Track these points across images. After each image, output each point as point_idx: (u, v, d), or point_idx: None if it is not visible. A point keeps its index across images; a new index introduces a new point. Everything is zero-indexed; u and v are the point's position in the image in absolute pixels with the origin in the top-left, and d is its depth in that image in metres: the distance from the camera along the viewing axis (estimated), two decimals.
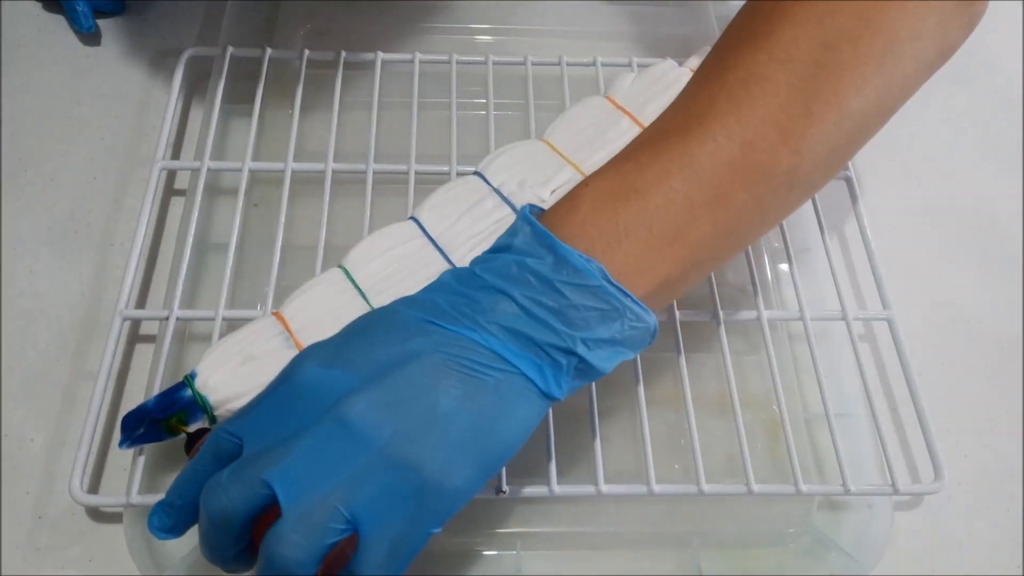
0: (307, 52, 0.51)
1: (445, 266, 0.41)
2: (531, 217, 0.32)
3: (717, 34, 0.47)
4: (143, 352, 0.44)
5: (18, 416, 0.42)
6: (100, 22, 0.55)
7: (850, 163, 0.49)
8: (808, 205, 0.47)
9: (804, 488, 0.38)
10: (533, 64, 0.52)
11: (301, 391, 0.29)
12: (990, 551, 0.42)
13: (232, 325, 0.41)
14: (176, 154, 0.51)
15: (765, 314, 0.43)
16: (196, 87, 0.53)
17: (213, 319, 0.41)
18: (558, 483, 0.37)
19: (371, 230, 0.44)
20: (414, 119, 0.48)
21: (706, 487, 0.38)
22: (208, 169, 0.46)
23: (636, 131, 0.46)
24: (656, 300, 0.32)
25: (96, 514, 0.40)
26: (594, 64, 0.52)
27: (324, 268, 0.42)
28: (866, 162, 0.54)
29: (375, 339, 0.30)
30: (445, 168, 0.47)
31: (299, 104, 0.49)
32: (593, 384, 0.40)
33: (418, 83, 0.50)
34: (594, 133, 0.47)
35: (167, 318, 0.41)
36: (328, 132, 0.47)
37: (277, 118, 0.51)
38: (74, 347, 0.44)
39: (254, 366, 0.37)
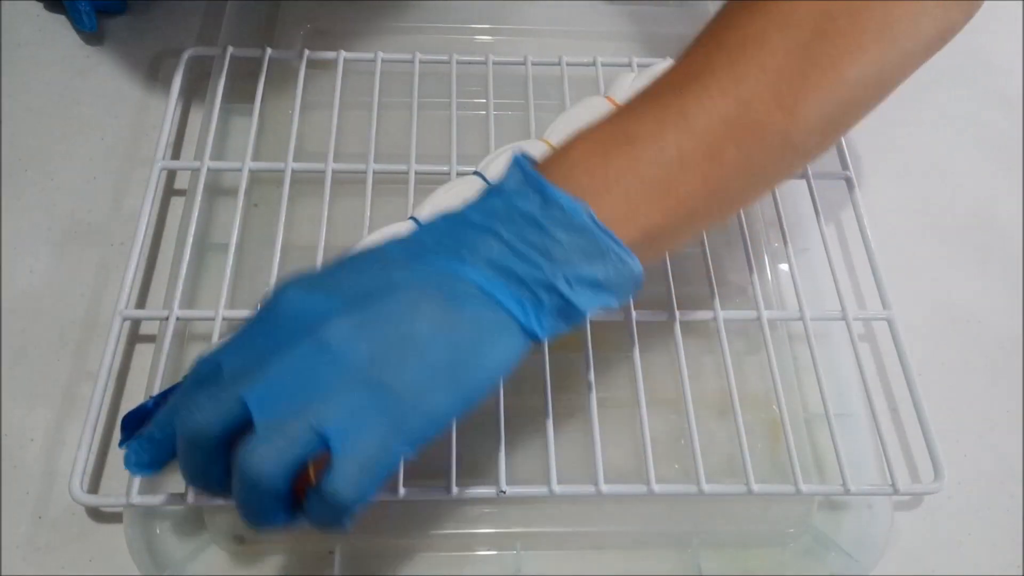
0: (307, 52, 0.51)
1: None
2: (523, 162, 0.32)
3: None
4: (143, 352, 0.44)
5: (18, 416, 0.42)
6: (101, 22, 0.55)
7: (850, 163, 0.49)
8: (808, 205, 0.47)
9: (804, 488, 0.38)
10: (533, 64, 0.52)
11: (282, 315, 0.29)
12: (990, 551, 0.42)
13: (232, 325, 0.41)
14: (176, 154, 0.51)
15: (765, 314, 0.43)
16: (196, 87, 0.53)
17: (213, 319, 0.41)
18: (558, 483, 0.37)
19: (371, 230, 0.44)
20: (414, 119, 0.48)
21: (706, 487, 0.38)
22: (208, 169, 0.46)
23: None
24: (643, 250, 0.32)
25: (96, 514, 0.40)
26: (594, 64, 0.52)
27: None
28: (866, 162, 0.54)
29: (359, 269, 0.30)
30: (445, 168, 0.47)
31: (299, 104, 0.49)
32: (593, 384, 0.40)
33: (418, 83, 0.50)
34: None
35: (167, 318, 0.41)
36: (328, 132, 0.47)
37: (277, 118, 0.51)
38: (74, 347, 0.44)
39: None
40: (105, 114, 0.52)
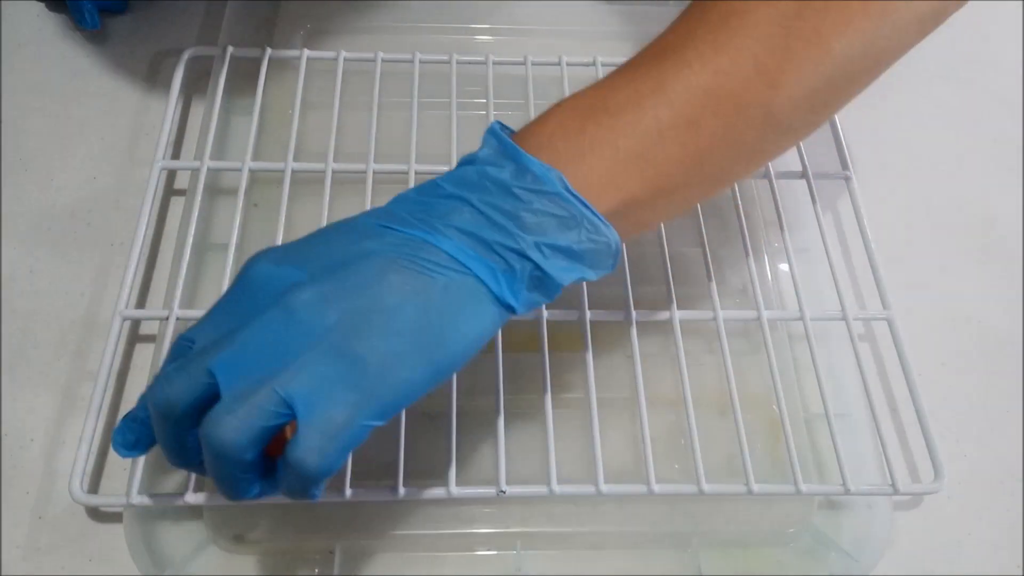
0: (307, 52, 0.51)
1: None
2: (498, 131, 0.31)
3: None
4: (143, 352, 0.44)
5: (18, 416, 0.42)
6: (101, 21, 0.55)
7: (850, 163, 0.49)
8: (808, 205, 0.47)
9: (804, 488, 0.38)
10: (533, 64, 0.52)
11: (252, 287, 0.29)
12: (990, 551, 0.42)
13: None
14: (176, 154, 0.51)
15: (765, 314, 0.43)
16: (196, 87, 0.53)
17: None
18: (558, 483, 0.37)
19: None
20: (414, 119, 0.48)
21: (706, 487, 0.38)
22: (208, 169, 0.46)
23: None
24: (622, 222, 0.31)
25: (96, 514, 0.40)
26: (594, 64, 0.52)
27: None
28: (866, 162, 0.54)
29: (328, 240, 0.30)
30: (445, 168, 0.46)
31: (299, 104, 0.49)
32: (592, 383, 0.40)
33: (418, 83, 0.50)
34: None
35: (167, 318, 0.41)
36: (328, 132, 0.47)
37: (277, 118, 0.51)
38: (74, 347, 0.44)
39: None
40: (105, 114, 0.52)
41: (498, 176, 0.30)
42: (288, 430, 0.28)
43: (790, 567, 0.40)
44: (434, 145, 0.49)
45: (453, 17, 0.57)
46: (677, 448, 0.43)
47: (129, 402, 0.42)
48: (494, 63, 0.51)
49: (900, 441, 0.45)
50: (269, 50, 0.51)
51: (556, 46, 0.54)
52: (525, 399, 0.42)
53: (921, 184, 0.54)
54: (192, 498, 0.36)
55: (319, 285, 0.28)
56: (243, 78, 0.52)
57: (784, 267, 0.48)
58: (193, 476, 0.37)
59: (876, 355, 0.47)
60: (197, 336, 0.29)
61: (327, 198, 0.45)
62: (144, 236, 0.44)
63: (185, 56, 0.50)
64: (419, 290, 0.28)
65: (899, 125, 0.57)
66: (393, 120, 0.49)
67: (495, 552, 0.40)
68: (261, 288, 0.29)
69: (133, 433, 0.30)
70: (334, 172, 0.46)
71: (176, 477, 0.38)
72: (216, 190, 0.48)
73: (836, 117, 0.50)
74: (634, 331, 0.42)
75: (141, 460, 0.37)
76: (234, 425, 0.26)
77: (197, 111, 0.53)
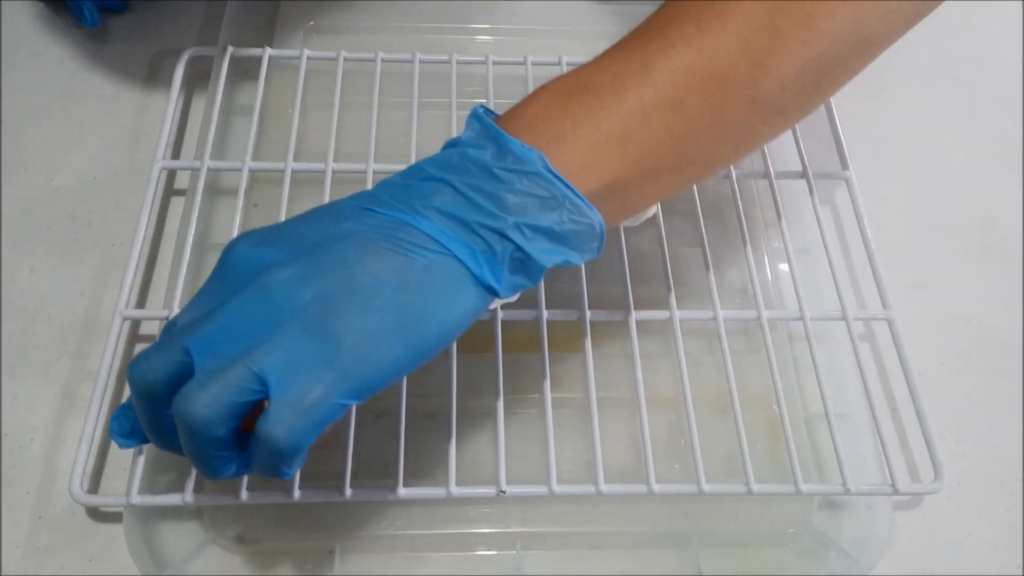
0: (307, 52, 0.51)
1: None
2: (481, 114, 0.31)
3: None
4: None
5: (18, 416, 0.42)
6: (101, 20, 0.55)
7: (850, 163, 0.49)
8: (808, 205, 0.47)
9: (804, 488, 0.38)
10: (533, 64, 0.52)
11: (232, 268, 0.29)
12: (990, 551, 0.42)
13: None
14: (176, 154, 0.51)
15: (765, 314, 0.43)
16: (196, 87, 0.53)
17: None
18: (558, 483, 0.37)
19: None
20: (414, 119, 0.48)
21: (706, 487, 0.38)
22: (208, 169, 0.46)
23: None
24: (607, 204, 0.31)
25: (96, 514, 0.40)
26: None
27: None
28: (866, 162, 0.53)
29: (308, 222, 0.30)
30: None
31: (299, 104, 0.49)
32: (592, 383, 0.40)
33: (418, 83, 0.50)
34: None
35: (167, 318, 0.41)
36: (328, 132, 0.47)
37: (277, 118, 0.51)
38: (74, 347, 0.44)
39: None
40: (105, 114, 0.52)
41: (479, 157, 0.30)
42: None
43: (790, 567, 0.40)
44: (434, 145, 0.48)
45: (453, 17, 0.57)
46: (677, 448, 0.43)
47: None
48: (494, 63, 0.51)
49: (900, 441, 0.45)
50: (269, 50, 0.51)
51: (556, 46, 0.54)
52: (525, 399, 0.42)
53: (921, 184, 0.54)
54: (192, 498, 0.36)
55: (296, 264, 0.28)
56: (243, 78, 0.52)
57: (784, 267, 0.48)
58: (193, 476, 0.37)
59: (876, 355, 0.47)
60: (179, 319, 0.29)
61: (327, 198, 0.45)
62: (144, 236, 0.44)
63: (185, 56, 0.50)
64: (398, 270, 0.28)
65: (899, 125, 0.57)
66: (393, 120, 0.49)
67: (495, 552, 0.40)
68: (240, 269, 0.29)
69: (129, 421, 0.30)
70: (334, 172, 0.46)
71: (177, 477, 0.38)
72: (216, 190, 0.48)
73: (836, 117, 0.50)
74: (634, 331, 0.42)
75: (141, 460, 0.37)
76: (205, 400, 0.26)
77: (197, 111, 0.53)
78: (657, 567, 0.40)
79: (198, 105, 0.53)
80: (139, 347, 0.44)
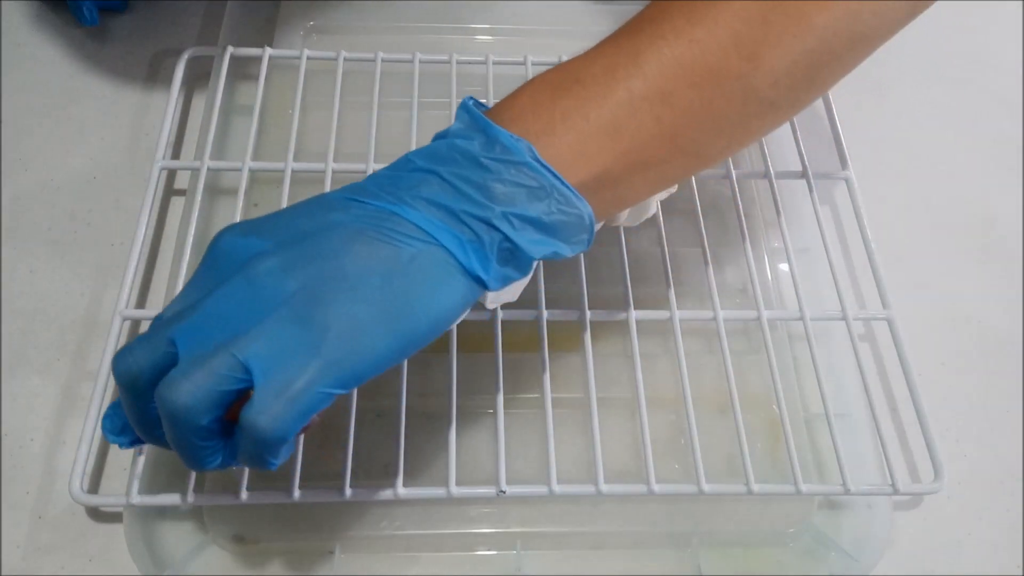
0: (307, 52, 0.51)
1: None
2: (470, 106, 0.31)
3: None
4: None
5: (18, 416, 0.42)
6: (101, 20, 0.55)
7: (850, 163, 0.49)
8: (808, 205, 0.47)
9: (804, 488, 0.38)
10: (533, 64, 0.52)
11: (218, 259, 0.29)
12: (990, 551, 0.42)
13: None
14: (176, 154, 0.51)
15: (765, 314, 0.43)
16: (196, 87, 0.53)
17: None
18: (558, 483, 0.37)
19: None
20: (414, 119, 0.48)
21: (706, 487, 0.38)
22: (208, 169, 0.46)
23: None
24: (597, 196, 0.31)
25: (96, 514, 0.40)
26: None
27: None
28: (866, 162, 0.53)
29: (295, 213, 0.30)
30: None
31: (299, 104, 0.49)
32: (592, 383, 0.40)
33: (418, 83, 0.50)
34: None
35: None
36: (328, 132, 0.47)
37: (277, 118, 0.51)
38: (74, 347, 0.44)
39: None
40: (105, 114, 0.52)
41: (467, 148, 0.30)
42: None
43: (790, 567, 0.40)
44: None
45: (453, 17, 0.57)
46: (677, 448, 0.43)
47: None
48: (494, 63, 0.51)
49: (900, 441, 0.45)
50: (269, 50, 0.51)
51: (556, 46, 0.54)
52: (525, 399, 0.42)
53: (921, 184, 0.54)
54: (192, 498, 0.36)
55: (282, 254, 0.28)
56: (243, 78, 0.52)
57: (784, 267, 0.48)
58: (193, 476, 0.37)
59: (876, 355, 0.47)
60: (167, 311, 0.29)
61: None
62: (144, 236, 0.43)
63: (185, 56, 0.50)
64: (384, 259, 0.28)
65: (899, 125, 0.57)
66: (393, 120, 0.49)
67: (495, 552, 0.40)
68: (226, 259, 0.29)
69: (120, 418, 0.30)
70: (334, 172, 0.46)
71: (177, 477, 0.38)
72: (216, 190, 0.48)
73: (836, 117, 0.50)
74: (634, 331, 0.42)
75: (141, 460, 0.37)
76: (188, 389, 0.26)
77: (197, 111, 0.53)
78: (657, 567, 0.40)
79: (198, 105, 0.53)
80: None
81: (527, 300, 0.39)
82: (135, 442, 0.32)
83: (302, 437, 0.38)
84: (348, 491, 0.37)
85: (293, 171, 0.46)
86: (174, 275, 0.43)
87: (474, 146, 0.30)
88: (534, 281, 0.42)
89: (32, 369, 0.43)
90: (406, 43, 0.55)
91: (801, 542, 0.41)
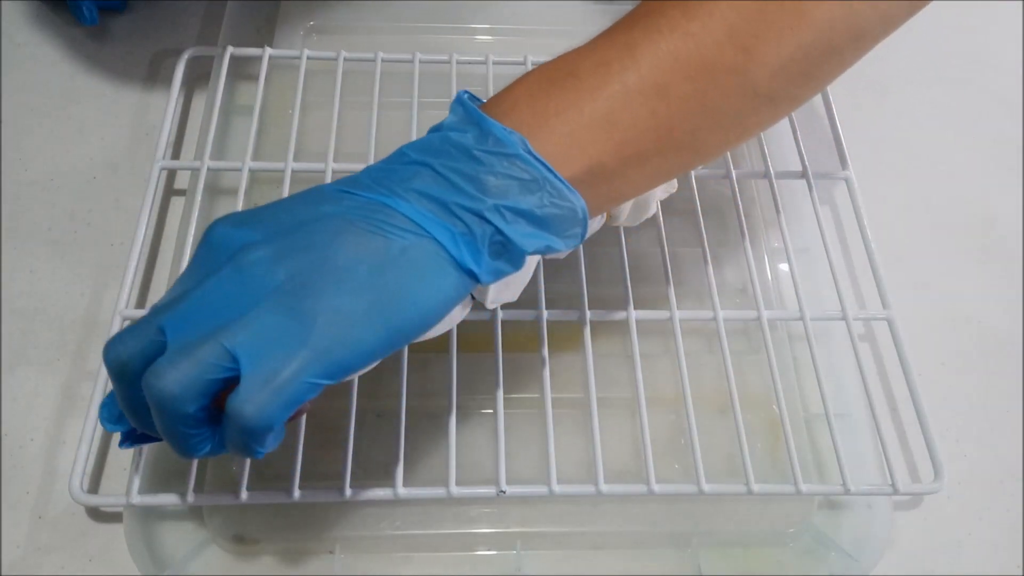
0: (307, 52, 0.51)
1: None
2: (465, 99, 0.31)
3: None
4: None
5: (18, 416, 0.42)
6: (101, 20, 0.55)
7: (850, 163, 0.49)
8: (808, 205, 0.47)
9: (804, 488, 0.38)
10: (533, 64, 0.52)
11: (210, 250, 0.29)
12: (990, 551, 0.42)
13: None
14: (176, 154, 0.51)
15: (765, 314, 0.43)
16: (196, 87, 0.53)
17: None
18: (558, 483, 0.37)
19: None
20: (414, 119, 0.48)
21: (706, 487, 0.38)
22: (208, 169, 0.46)
23: None
24: (591, 190, 0.31)
25: (96, 514, 0.40)
26: None
27: None
28: (866, 162, 0.53)
29: (287, 205, 0.30)
30: None
31: (299, 104, 0.49)
32: (592, 383, 0.40)
33: (418, 83, 0.50)
34: None
35: None
36: (328, 132, 0.47)
37: (277, 118, 0.51)
38: (74, 347, 0.44)
39: None
40: (105, 114, 0.52)
41: (461, 141, 0.30)
42: None
43: (790, 567, 0.40)
44: None
45: (453, 17, 0.57)
46: (677, 448, 0.43)
47: None
48: (494, 63, 0.51)
49: (900, 441, 0.45)
50: (269, 50, 0.50)
51: (556, 46, 0.53)
52: (525, 399, 0.43)
53: (921, 184, 0.54)
54: (192, 498, 0.36)
55: (272, 244, 0.28)
56: (243, 78, 0.52)
57: (784, 267, 0.48)
58: (193, 476, 0.37)
59: (876, 355, 0.47)
60: (160, 302, 0.29)
61: None
62: (144, 236, 0.43)
63: (185, 56, 0.50)
64: (374, 251, 0.28)
65: (899, 125, 0.57)
66: (393, 120, 0.49)
67: (495, 552, 0.40)
68: (217, 250, 0.29)
69: (117, 407, 0.30)
70: (334, 172, 0.46)
71: (177, 477, 0.38)
72: (216, 190, 0.48)
73: (836, 116, 0.50)
74: (634, 331, 0.42)
75: (141, 460, 0.37)
76: (175, 377, 0.26)
77: (197, 111, 0.53)
78: (657, 567, 0.40)
79: (198, 105, 0.53)
80: None
81: (527, 300, 0.39)
82: (131, 436, 0.32)
83: (302, 437, 0.38)
84: (348, 491, 0.37)
85: (293, 171, 0.46)
86: (174, 275, 0.43)
87: (467, 139, 0.30)
88: (534, 281, 0.42)
89: (32, 369, 0.43)
90: (406, 43, 0.55)
91: (801, 542, 0.41)
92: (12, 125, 0.51)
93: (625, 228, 0.45)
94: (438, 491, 0.37)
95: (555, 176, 0.30)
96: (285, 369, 0.26)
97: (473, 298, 0.34)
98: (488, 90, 0.50)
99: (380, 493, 0.37)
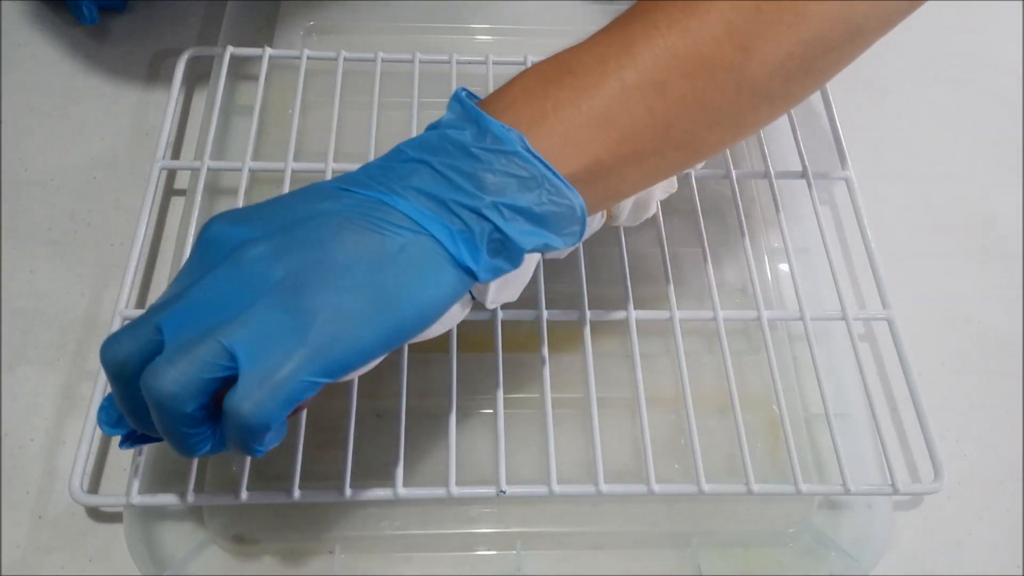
0: (307, 52, 0.51)
1: None
2: (462, 97, 0.31)
3: None
4: None
5: (18, 416, 0.42)
6: (101, 20, 0.55)
7: (850, 163, 0.49)
8: (808, 205, 0.47)
9: (804, 488, 0.38)
10: (533, 64, 0.52)
11: (208, 247, 0.29)
12: (990, 551, 0.42)
13: None
14: (176, 154, 0.51)
15: (765, 314, 0.43)
16: (196, 87, 0.53)
17: None
18: (558, 483, 0.37)
19: None
20: (414, 119, 0.48)
21: (706, 487, 0.38)
22: (208, 169, 0.46)
23: None
24: (589, 188, 0.31)
25: (96, 514, 0.40)
26: None
27: None
28: (866, 162, 0.54)
29: (285, 202, 0.30)
30: None
31: (299, 104, 0.49)
32: (592, 383, 0.40)
33: (418, 83, 0.50)
34: None
35: None
36: (328, 132, 0.47)
37: (277, 118, 0.51)
38: (74, 347, 0.44)
39: None
40: (105, 114, 0.52)
41: (458, 138, 0.30)
42: None
43: (790, 567, 0.40)
44: None
45: (453, 17, 0.57)
46: (677, 448, 0.43)
47: None
48: (494, 63, 0.51)
49: (900, 441, 0.45)
50: (269, 50, 0.50)
51: (556, 46, 0.53)
52: (525, 399, 0.43)
53: (921, 184, 0.54)
54: (192, 498, 0.36)
55: (270, 241, 0.28)
56: (243, 78, 0.52)
57: (784, 267, 0.48)
58: (193, 476, 0.37)
59: (876, 355, 0.47)
60: (157, 300, 0.29)
61: None
62: (144, 236, 0.43)
63: (185, 56, 0.50)
64: (373, 248, 0.28)
65: (899, 125, 0.57)
66: (393, 120, 0.49)
67: (495, 552, 0.40)
68: (215, 247, 0.29)
69: (116, 410, 0.30)
70: (334, 172, 0.46)
71: (177, 477, 0.38)
72: (216, 190, 0.48)
73: (836, 117, 0.50)
74: (634, 331, 0.42)
75: (141, 460, 0.37)
76: (173, 376, 0.26)
77: (197, 111, 0.53)
78: (657, 567, 0.40)
79: (198, 105, 0.53)
80: None
81: (527, 300, 0.39)
82: (131, 436, 0.32)
83: (302, 437, 0.38)
84: (348, 491, 0.37)
85: (293, 171, 0.46)
86: (174, 275, 0.42)
87: (465, 136, 0.30)
88: (534, 281, 0.42)
89: (32, 369, 0.43)
90: (406, 43, 0.55)
91: (801, 542, 0.41)
92: (12, 125, 0.51)
93: (625, 228, 0.45)
94: (438, 491, 0.37)
95: (553, 174, 0.30)
96: (283, 367, 0.26)
97: (473, 298, 0.34)
98: (488, 90, 0.50)
99: (380, 493, 0.37)
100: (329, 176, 0.46)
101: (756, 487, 0.38)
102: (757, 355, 0.45)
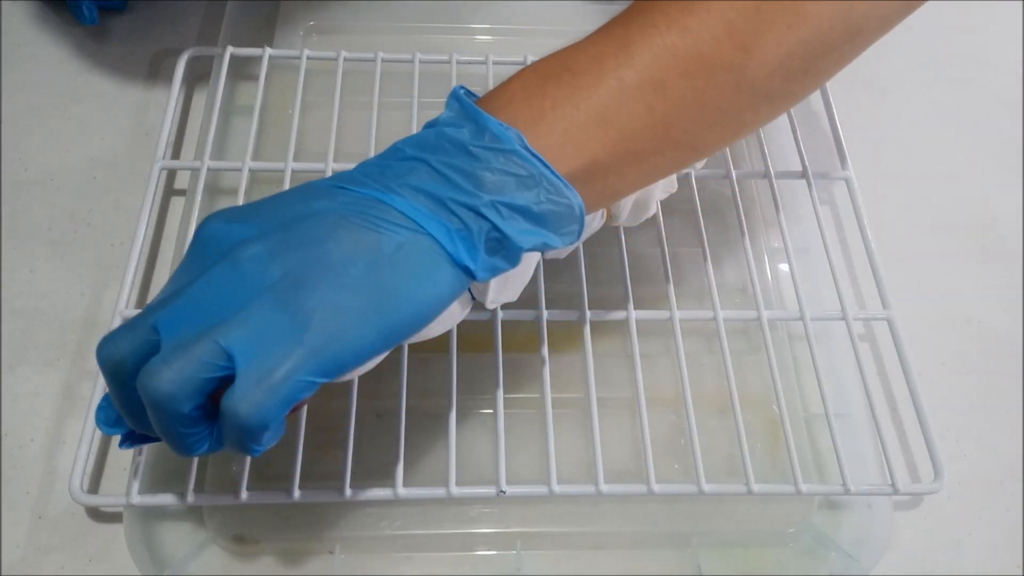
0: (307, 52, 0.51)
1: None
2: (461, 95, 0.31)
3: None
4: None
5: (18, 416, 0.42)
6: (101, 20, 0.55)
7: (850, 163, 0.49)
8: (808, 205, 0.47)
9: (804, 488, 0.38)
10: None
11: (204, 246, 0.29)
12: (990, 551, 0.42)
13: None
14: (176, 154, 0.51)
15: (765, 314, 0.43)
16: (196, 87, 0.53)
17: None
18: (558, 483, 0.37)
19: None
20: (414, 119, 0.48)
21: (706, 487, 0.38)
22: (208, 169, 0.46)
23: None
24: (587, 187, 0.31)
25: (96, 514, 0.40)
26: None
27: None
28: (866, 162, 0.53)
29: (282, 200, 0.30)
30: None
31: (299, 104, 0.49)
32: (592, 383, 0.40)
33: (418, 83, 0.50)
34: None
35: None
36: (328, 132, 0.47)
37: (277, 118, 0.51)
38: (74, 347, 0.44)
39: None
40: (105, 114, 0.52)
41: (456, 136, 0.29)
42: None
43: (790, 567, 0.40)
44: None
45: (453, 17, 0.57)
46: (677, 448, 0.43)
47: None
48: (494, 63, 0.51)
49: (900, 441, 0.45)
50: (269, 50, 0.50)
51: (555, 46, 0.53)
52: (525, 399, 0.43)
53: (921, 184, 0.54)
54: (192, 498, 0.36)
55: (267, 240, 0.28)
56: (243, 78, 0.52)
57: (784, 267, 0.48)
58: (193, 476, 0.37)
59: (876, 355, 0.47)
60: (154, 300, 0.29)
61: None
62: (144, 236, 0.43)
63: (185, 56, 0.50)
64: (370, 247, 0.28)
65: (899, 125, 0.57)
66: (393, 120, 0.49)
67: (495, 552, 0.40)
68: (211, 246, 0.29)
69: (114, 409, 0.30)
70: (334, 172, 0.46)
71: (177, 477, 0.38)
72: (216, 190, 0.48)
73: (836, 116, 0.50)
74: (634, 331, 0.42)
75: (141, 460, 0.37)
76: (169, 376, 0.26)
77: (197, 111, 0.53)
78: (657, 567, 0.40)
79: (198, 105, 0.53)
80: None
81: (527, 300, 0.39)
82: (130, 436, 0.32)
83: (302, 437, 0.38)
84: (348, 491, 0.37)
85: (293, 171, 0.46)
86: None
87: (463, 134, 0.29)
88: (534, 281, 0.42)
89: (32, 369, 0.43)
90: (406, 43, 0.55)
91: (801, 542, 0.41)
92: (12, 125, 0.51)
93: (625, 228, 0.45)
94: (438, 491, 0.37)
95: (552, 172, 0.29)
96: (280, 367, 0.26)
97: (473, 298, 0.34)
98: (487, 90, 0.50)
99: (380, 493, 0.37)
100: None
101: (756, 487, 0.38)
102: (757, 355, 0.45)
